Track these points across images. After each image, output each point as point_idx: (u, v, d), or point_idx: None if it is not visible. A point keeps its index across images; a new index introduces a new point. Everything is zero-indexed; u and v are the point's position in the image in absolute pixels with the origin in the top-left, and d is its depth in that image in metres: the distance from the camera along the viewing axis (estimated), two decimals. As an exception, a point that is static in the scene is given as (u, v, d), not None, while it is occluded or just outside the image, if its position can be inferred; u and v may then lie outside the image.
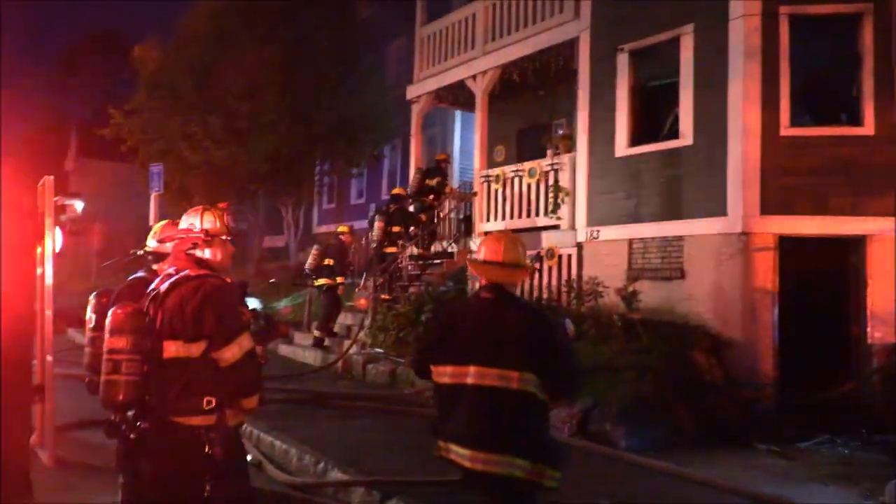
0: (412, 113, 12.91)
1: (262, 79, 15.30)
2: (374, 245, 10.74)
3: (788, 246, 7.36)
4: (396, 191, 10.77)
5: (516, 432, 2.73)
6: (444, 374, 2.87)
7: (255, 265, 19.02)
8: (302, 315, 11.92)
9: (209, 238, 2.88)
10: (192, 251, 2.86)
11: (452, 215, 11.51)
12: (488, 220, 10.61)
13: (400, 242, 10.54)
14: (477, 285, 3.19)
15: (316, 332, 10.37)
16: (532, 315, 2.97)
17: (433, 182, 11.40)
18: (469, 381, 2.79)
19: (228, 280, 2.82)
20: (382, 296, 10.02)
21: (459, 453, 2.80)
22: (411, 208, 11.29)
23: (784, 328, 7.31)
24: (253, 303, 3.18)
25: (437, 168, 11.70)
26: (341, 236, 10.64)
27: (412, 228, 10.92)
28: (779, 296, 7.34)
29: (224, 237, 2.94)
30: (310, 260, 10.60)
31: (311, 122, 16.00)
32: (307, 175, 18.00)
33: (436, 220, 11.46)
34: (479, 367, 2.79)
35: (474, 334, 2.84)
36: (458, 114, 16.04)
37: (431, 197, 11.38)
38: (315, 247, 10.78)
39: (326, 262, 10.38)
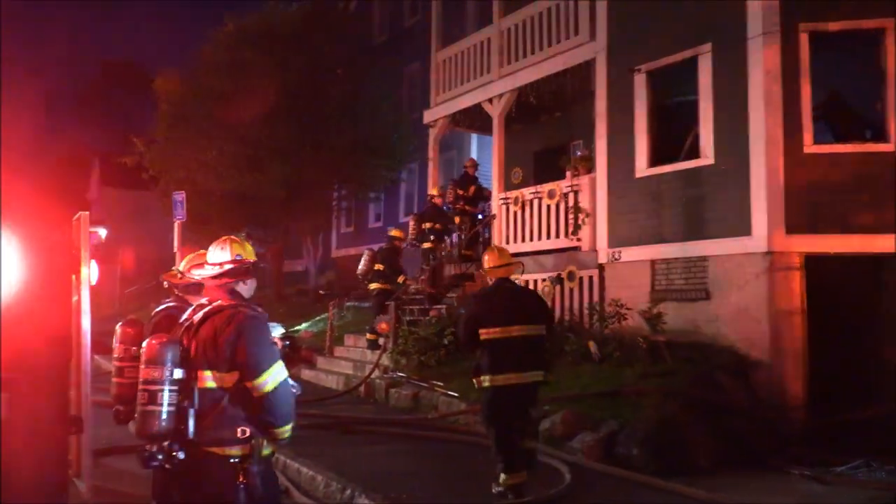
0: (429, 137, 13.01)
1: (278, 106, 15.54)
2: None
3: (814, 264, 7.27)
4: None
5: (542, 357, 4.99)
6: (493, 333, 4.90)
7: (274, 289, 19.16)
8: (323, 339, 11.97)
9: (247, 269, 2.95)
10: (229, 283, 2.92)
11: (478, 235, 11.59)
12: (508, 242, 10.61)
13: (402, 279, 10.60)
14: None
15: (369, 335, 10.48)
16: (536, 294, 5.80)
17: (465, 192, 11.34)
18: (515, 333, 4.88)
19: (260, 310, 2.87)
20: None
21: (509, 377, 4.89)
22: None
23: (812, 348, 7.19)
24: (275, 329, 3.24)
25: (464, 178, 11.69)
26: (395, 241, 10.75)
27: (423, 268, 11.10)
28: (806, 315, 7.25)
29: (251, 267, 3.00)
30: (361, 265, 10.76)
31: (327, 147, 16.18)
32: (325, 200, 18.15)
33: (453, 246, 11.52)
34: (521, 325, 4.91)
35: (512, 306, 4.95)
36: (474, 137, 16.16)
37: (457, 205, 11.34)
38: (366, 251, 10.94)
39: (377, 266, 10.50)
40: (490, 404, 4.99)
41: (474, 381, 5.02)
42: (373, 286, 10.57)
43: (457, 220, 11.33)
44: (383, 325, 10.01)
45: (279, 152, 15.54)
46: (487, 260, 5.16)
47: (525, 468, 5.00)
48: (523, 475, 4.96)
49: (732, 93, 7.78)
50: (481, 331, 4.91)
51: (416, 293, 11.05)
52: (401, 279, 10.49)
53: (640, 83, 8.83)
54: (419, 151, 15.71)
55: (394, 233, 10.92)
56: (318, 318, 14.75)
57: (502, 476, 4.94)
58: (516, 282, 5.31)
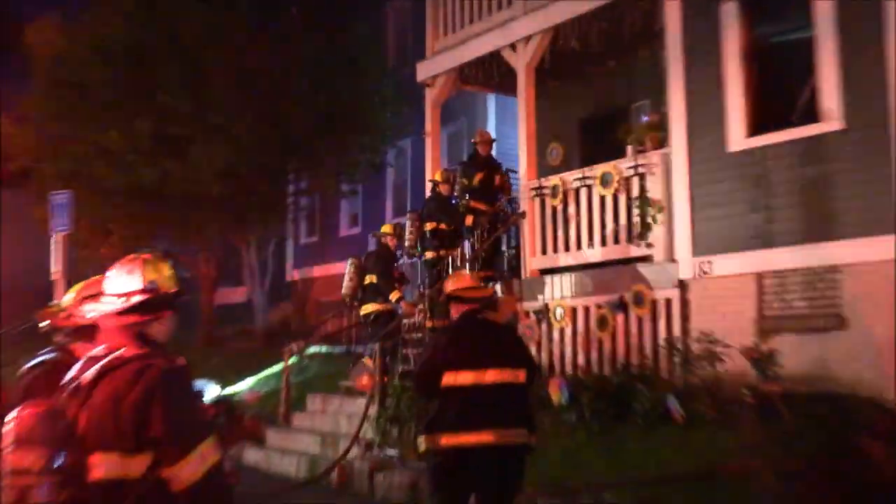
0: (425, 101, 13.07)
1: (210, 64, 15.64)
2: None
3: None
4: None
5: (525, 413, 5.30)
6: (461, 378, 5.14)
7: (203, 330, 19.25)
8: (276, 402, 11.94)
9: (164, 303, 2.95)
10: (138, 323, 2.91)
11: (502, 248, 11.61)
12: (544, 251, 10.62)
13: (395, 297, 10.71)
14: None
15: (405, 368, 10.60)
16: (513, 330, 6.01)
17: (470, 182, 11.47)
18: (490, 379, 5.13)
19: (182, 361, 2.88)
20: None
21: (482, 436, 5.06)
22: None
23: None
24: (205, 389, 3.25)
25: (472, 161, 11.79)
26: (384, 239, 10.93)
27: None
28: None
29: (170, 299, 3.00)
30: (345, 282, 10.97)
31: (280, 122, 16.30)
32: (277, 196, 18.29)
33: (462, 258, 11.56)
34: (499, 369, 5.17)
35: (486, 345, 5.28)
36: (491, 99, 16.21)
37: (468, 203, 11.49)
38: (350, 262, 11.10)
39: (369, 279, 10.66)
40: (444, 475, 5.14)
41: (421, 441, 5.21)
42: (367, 309, 10.69)
43: (468, 220, 11.34)
44: (364, 381, 9.99)
45: (209, 130, 15.63)
46: (448, 285, 5.57)
47: None
48: None
49: (870, 25, 7.74)
50: (446, 375, 5.16)
51: (413, 328, 11.05)
52: (394, 295, 10.56)
53: (729, 15, 8.81)
54: (413, 122, 15.78)
55: (384, 228, 11.09)
56: (267, 371, 14.76)
57: None
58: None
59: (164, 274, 3.04)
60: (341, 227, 20.17)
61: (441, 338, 5.51)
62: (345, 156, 17.42)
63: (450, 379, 5.15)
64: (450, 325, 5.56)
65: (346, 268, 11.14)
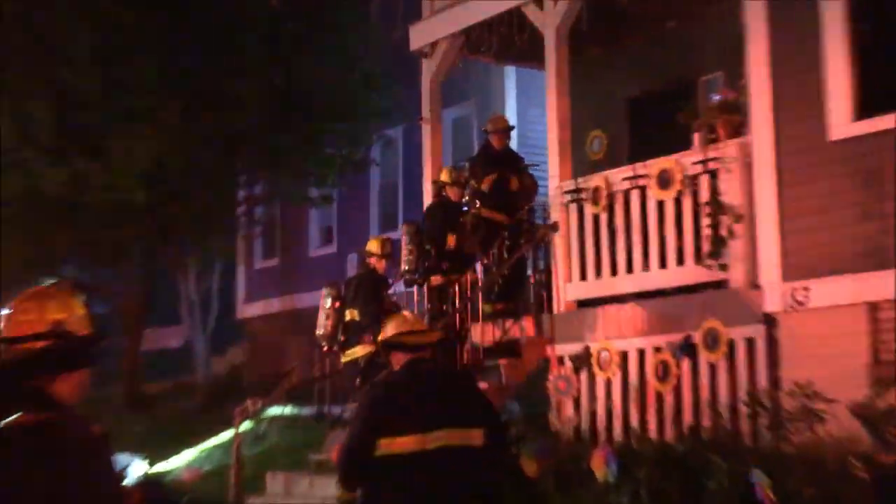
0: (422, 75, 13.11)
1: (131, 30, 15.67)
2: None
3: None
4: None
5: (486, 488, 5.45)
6: (401, 445, 5.25)
7: (125, 385, 19.21)
8: (224, 483, 11.89)
9: (74, 352, 2.98)
10: (39, 379, 2.92)
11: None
12: (583, 276, 10.63)
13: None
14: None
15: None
16: (471, 378, 6.54)
17: (478, 185, 11.57)
18: (439, 443, 5.25)
19: (98, 429, 2.92)
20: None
21: None
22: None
23: None
24: (132, 465, 3.24)
25: (481, 157, 11.85)
26: (370, 260, 11.05)
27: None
28: None
29: (83, 346, 3.03)
30: (321, 320, 11.08)
31: (225, 106, 16.32)
32: (223, 207, 18.30)
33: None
34: (451, 429, 5.32)
35: (434, 399, 5.44)
36: (510, 74, 16.22)
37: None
38: (325, 292, 11.21)
39: (350, 315, 10.81)
40: None
41: None
42: (352, 354, 10.83)
43: (449, 241, 11.51)
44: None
45: (132, 117, 15.64)
46: (387, 329, 5.78)
47: None
48: None
49: None
50: (381, 443, 5.24)
51: None
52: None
53: (831, -44, 8.82)
54: (405, 105, 15.79)
55: (370, 245, 11.22)
56: (212, 440, 14.70)
57: None
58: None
59: (75, 312, 3.05)
60: (310, 246, 20.21)
61: (376, 396, 5.65)
62: (314, 150, 17.44)
63: (386, 447, 5.23)
64: (387, 379, 5.88)
65: (321, 300, 11.10)
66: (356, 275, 11.27)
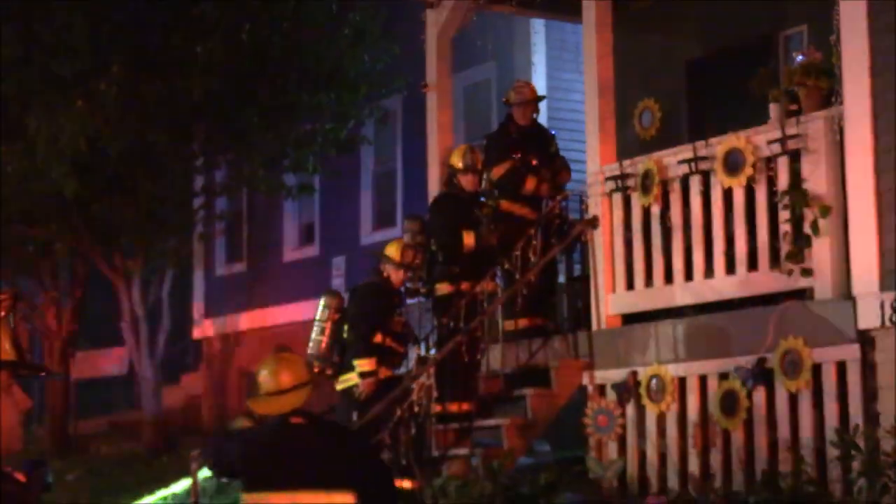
0: (426, 32, 13.13)
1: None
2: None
3: None
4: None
5: None
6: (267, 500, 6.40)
7: (52, 422, 19.16)
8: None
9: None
10: None
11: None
12: (630, 284, 10.65)
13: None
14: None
15: (401, 483, 10.60)
16: (362, 438, 7.74)
17: (489, 173, 11.70)
18: None
19: (19, 477, 2.99)
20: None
21: None
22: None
23: None
24: None
25: (499, 136, 12.00)
26: (385, 267, 11.09)
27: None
28: None
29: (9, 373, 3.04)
30: (314, 335, 11.16)
31: (176, 72, 16.31)
32: (174, 200, 18.26)
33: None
34: (318, 490, 6.27)
35: (308, 456, 6.39)
36: (539, 28, 16.19)
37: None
38: (322, 302, 11.32)
39: (347, 331, 10.95)
40: None
41: None
42: (346, 381, 10.90)
43: (467, 239, 11.39)
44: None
45: (64, 84, 15.65)
46: (260, 383, 6.69)
47: None
48: None
49: None
50: (249, 498, 6.45)
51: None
52: (364, 365, 10.76)
53: None
54: (406, 69, 15.81)
55: (389, 251, 11.20)
56: (162, 492, 14.66)
57: None
58: None
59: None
60: (286, 247, 20.17)
61: (249, 448, 6.62)
62: (290, 127, 17.42)
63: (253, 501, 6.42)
64: (263, 428, 6.81)
65: (317, 310, 11.16)
66: (363, 283, 11.25)
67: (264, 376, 6.67)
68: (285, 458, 6.44)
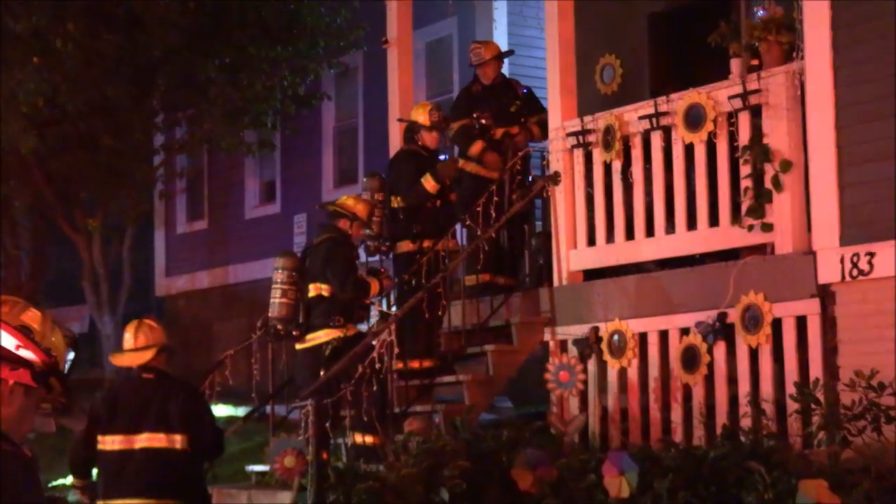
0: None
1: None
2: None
3: None
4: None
5: (180, 484, 8.50)
6: (110, 443, 8.40)
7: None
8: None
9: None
10: None
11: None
12: (591, 241, 10.67)
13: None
14: None
15: (362, 438, 10.78)
16: (193, 391, 9.35)
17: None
18: (139, 444, 8.35)
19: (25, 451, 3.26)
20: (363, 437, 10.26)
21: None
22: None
23: None
24: None
25: (465, 97, 12.05)
26: (340, 222, 10.98)
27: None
28: None
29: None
30: (275, 298, 10.99)
31: (131, 26, 16.19)
32: (134, 156, 18.15)
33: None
34: (151, 433, 8.36)
35: (142, 405, 8.47)
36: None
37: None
38: (279, 261, 11.16)
39: (314, 290, 10.81)
40: None
41: None
42: (315, 339, 10.88)
43: (427, 184, 11.44)
44: (287, 462, 9.99)
45: (20, 39, 15.58)
46: (123, 340, 8.90)
47: None
48: None
49: None
50: (100, 439, 8.39)
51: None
52: (375, 288, 10.84)
53: None
54: (366, 24, 15.75)
55: (345, 199, 11.18)
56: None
57: None
58: None
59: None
60: (247, 205, 20.10)
61: (100, 398, 8.75)
62: (251, 82, 17.29)
63: (101, 443, 8.36)
64: (118, 382, 8.90)
65: (272, 271, 11.12)
66: (323, 239, 11.15)
67: (126, 336, 8.76)
68: (128, 406, 8.46)
